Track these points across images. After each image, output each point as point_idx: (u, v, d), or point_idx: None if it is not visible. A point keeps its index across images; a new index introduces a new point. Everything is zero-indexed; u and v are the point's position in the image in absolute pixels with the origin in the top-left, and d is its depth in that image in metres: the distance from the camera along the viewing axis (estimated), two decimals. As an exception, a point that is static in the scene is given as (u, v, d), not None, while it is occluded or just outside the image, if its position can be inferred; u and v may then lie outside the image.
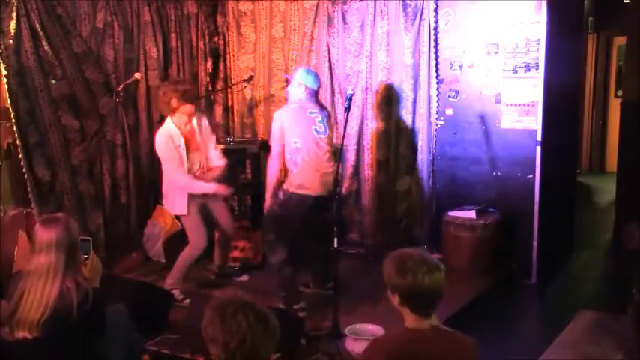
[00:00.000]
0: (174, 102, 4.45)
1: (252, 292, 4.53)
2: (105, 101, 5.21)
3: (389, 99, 5.63)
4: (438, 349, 2.21)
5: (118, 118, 5.32)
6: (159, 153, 4.50)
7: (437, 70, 5.45)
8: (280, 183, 4.51)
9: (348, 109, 4.29)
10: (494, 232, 5.10)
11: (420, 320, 2.26)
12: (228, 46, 6.36)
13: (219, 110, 6.32)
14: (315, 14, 5.86)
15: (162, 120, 4.71)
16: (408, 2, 5.44)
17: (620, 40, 9.20)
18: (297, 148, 4.36)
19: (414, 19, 5.43)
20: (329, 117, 4.63)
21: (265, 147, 5.01)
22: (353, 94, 4.89)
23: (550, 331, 3.67)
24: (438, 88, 5.46)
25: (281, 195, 4.44)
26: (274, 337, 1.95)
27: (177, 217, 4.96)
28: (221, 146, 5.13)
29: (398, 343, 2.26)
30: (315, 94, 4.53)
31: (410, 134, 5.57)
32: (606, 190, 7.96)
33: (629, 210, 5.76)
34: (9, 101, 4.57)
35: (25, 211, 4.65)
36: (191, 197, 4.53)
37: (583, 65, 8.79)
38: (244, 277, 5.12)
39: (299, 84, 4.48)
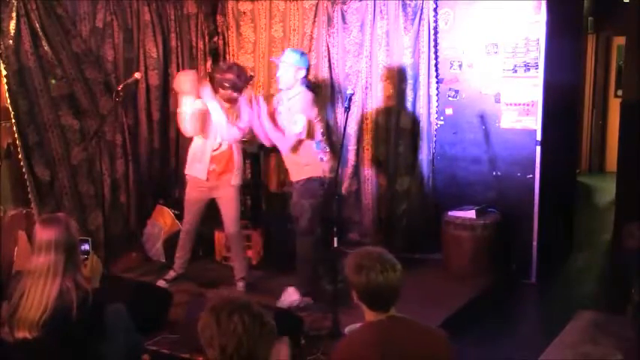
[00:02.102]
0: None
1: (252, 292, 4.61)
2: (105, 101, 5.20)
3: (389, 99, 5.63)
4: (397, 336, 2.27)
5: (117, 118, 5.32)
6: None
7: (436, 70, 5.45)
8: None
9: (347, 108, 4.30)
10: (494, 231, 5.10)
11: (377, 316, 2.32)
12: (228, 46, 6.36)
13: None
14: (315, 14, 5.86)
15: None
16: (408, 2, 5.44)
17: (620, 40, 9.20)
18: (323, 137, 4.56)
19: (413, 19, 5.43)
20: None
21: (264, 147, 4.99)
22: (353, 94, 4.90)
23: (550, 331, 3.68)
24: (437, 88, 5.47)
25: (319, 187, 4.46)
26: (271, 338, 1.94)
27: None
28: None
29: (359, 337, 2.35)
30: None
31: (410, 134, 5.57)
32: (606, 190, 7.95)
33: (629, 210, 5.75)
34: (9, 101, 4.57)
35: (24, 211, 4.65)
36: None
37: (583, 65, 8.77)
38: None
39: (298, 69, 4.45)
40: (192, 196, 4.79)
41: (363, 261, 2.30)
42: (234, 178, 4.69)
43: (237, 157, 4.70)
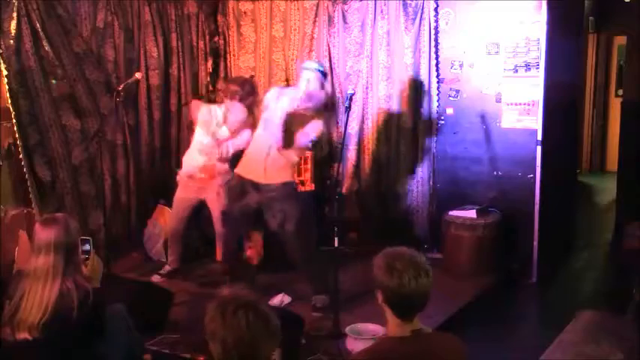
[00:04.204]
0: None
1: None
2: (105, 101, 5.21)
3: (389, 99, 5.63)
4: (420, 355, 2.17)
5: (118, 118, 5.32)
6: None
7: (437, 70, 5.45)
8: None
9: (348, 108, 4.29)
10: (495, 231, 5.10)
11: (401, 325, 2.21)
12: (229, 46, 6.36)
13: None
14: (316, 14, 5.86)
15: None
16: (409, 2, 5.44)
17: (620, 40, 9.20)
18: None
19: (414, 19, 5.43)
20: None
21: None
22: (354, 94, 4.88)
23: (550, 331, 3.66)
24: (438, 88, 5.47)
25: (296, 191, 4.49)
26: (275, 338, 1.94)
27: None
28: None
29: (380, 351, 2.23)
30: None
31: (410, 133, 5.57)
32: (606, 190, 7.95)
33: (630, 210, 5.76)
34: (9, 101, 4.57)
35: (25, 211, 4.66)
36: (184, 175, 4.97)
37: (583, 65, 8.78)
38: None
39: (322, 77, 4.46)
40: (181, 195, 4.98)
41: (396, 263, 2.17)
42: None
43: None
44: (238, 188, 4.41)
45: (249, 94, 4.77)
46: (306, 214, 4.42)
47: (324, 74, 4.41)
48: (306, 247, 4.36)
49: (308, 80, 4.31)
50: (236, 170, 4.50)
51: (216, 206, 4.88)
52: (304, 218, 4.34)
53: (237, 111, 4.77)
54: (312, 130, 4.33)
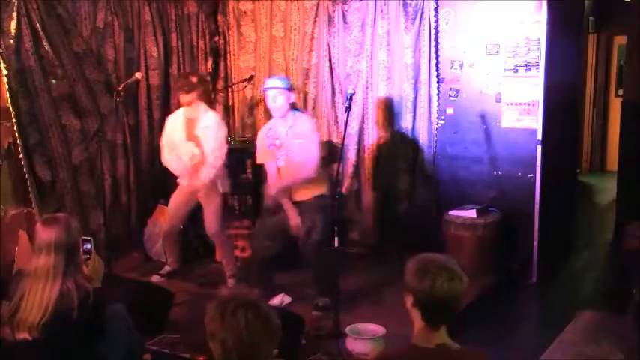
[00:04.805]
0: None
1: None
2: (105, 101, 5.21)
3: (389, 98, 5.63)
4: None
5: (118, 118, 5.33)
6: None
7: (437, 70, 5.45)
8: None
9: (348, 108, 4.29)
10: (495, 231, 5.10)
11: (428, 332, 2.17)
12: (229, 46, 6.36)
13: (219, 110, 6.31)
14: (316, 14, 5.86)
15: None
16: (409, 2, 5.44)
17: (620, 40, 9.20)
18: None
19: (414, 19, 5.43)
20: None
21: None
22: (354, 94, 4.87)
23: (550, 331, 3.67)
24: (438, 88, 5.47)
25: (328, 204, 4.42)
26: (274, 337, 1.94)
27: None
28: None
29: (400, 357, 2.21)
30: None
31: (410, 133, 5.57)
32: (606, 190, 7.95)
33: (630, 210, 5.76)
34: (9, 101, 4.58)
35: (25, 211, 4.66)
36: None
37: (583, 64, 8.78)
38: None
39: (289, 93, 4.45)
40: (176, 193, 4.94)
41: (429, 266, 2.14)
42: (220, 186, 4.82)
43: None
44: (272, 207, 4.50)
45: (199, 83, 4.73)
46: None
47: (288, 89, 4.41)
48: (323, 254, 4.37)
49: (274, 98, 4.37)
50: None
51: (208, 206, 4.81)
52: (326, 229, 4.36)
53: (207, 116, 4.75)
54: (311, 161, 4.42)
